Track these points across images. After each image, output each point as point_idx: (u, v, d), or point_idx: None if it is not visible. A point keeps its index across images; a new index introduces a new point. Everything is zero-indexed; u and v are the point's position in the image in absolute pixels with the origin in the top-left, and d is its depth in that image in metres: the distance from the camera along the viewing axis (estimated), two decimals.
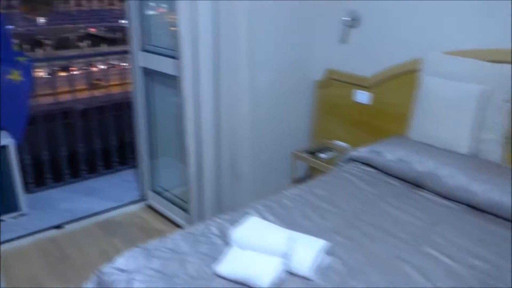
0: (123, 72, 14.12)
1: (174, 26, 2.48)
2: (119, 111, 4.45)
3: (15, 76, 3.38)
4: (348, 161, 2.44)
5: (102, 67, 22.83)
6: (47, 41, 40.68)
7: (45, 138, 3.76)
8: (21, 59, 3.41)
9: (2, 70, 3.34)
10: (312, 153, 3.05)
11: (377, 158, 2.25)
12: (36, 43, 41.39)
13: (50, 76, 16.54)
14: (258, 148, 2.95)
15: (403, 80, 2.64)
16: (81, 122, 3.99)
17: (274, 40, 2.86)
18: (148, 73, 3.05)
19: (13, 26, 44.04)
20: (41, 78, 19.37)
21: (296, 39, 3.00)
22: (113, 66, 26.79)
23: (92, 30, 52.74)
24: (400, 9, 2.61)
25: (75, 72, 23.35)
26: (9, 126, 3.29)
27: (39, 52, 39.39)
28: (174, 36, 2.49)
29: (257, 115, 2.86)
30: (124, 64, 18.09)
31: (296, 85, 3.14)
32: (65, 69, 23.64)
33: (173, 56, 2.60)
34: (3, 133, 3.17)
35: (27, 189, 3.51)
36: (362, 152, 2.36)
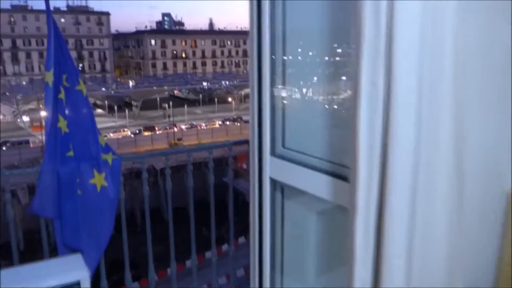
0: (204, 132, 46.52)
1: (337, 124, 1.82)
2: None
3: (99, 180, 2.73)
4: None
5: (183, 127, 51.56)
6: (134, 102, 64.18)
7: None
8: (107, 157, 2.79)
9: (83, 172, 2.71)
10: None
11: None
12: (126, 104, 64.20)
13: (134, 135, 46.72)
14: None
15: None
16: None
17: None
18: (277, 185, 2.08)
19: (105, 89, 70.33)
20: (127, 137, 49.92)
21: None
22: (195, 126, 52.91)
23: (176, 92, 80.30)
24: None
25: (158, 132, 54.27)
26: (86, 248, 2.60)
27: (129, 114, 60.92)
28: (337, 141, 1.81)
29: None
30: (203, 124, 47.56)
31: None
32: (150, 129, 56.72)
33: (333, 172, 1.71)
34: (77, 258, 2.19)
35: None
36: None
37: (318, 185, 1.75)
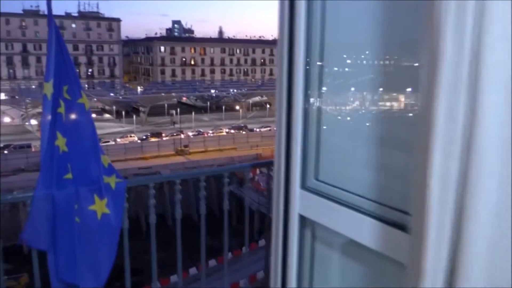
0: (210, 139, 47.53)
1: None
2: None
3: (100, 206, 2.43)
4: None
5: (190, 134, 52.31)
6: (142, 108, 64.49)
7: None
8: (110, 180, 2.51)
9: (82, 197, 2.43)
10: None
11: None
12: (134, 110, 64.57)
13: (141, 141, 47.36)
14: None
15: None
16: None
17: None
18: (307, 223, 1.74)
19: (113, 94, 70.61)
20: (133, 142, 50.21)
21: None
22: (202, 133, 53.86)
23: (184, 99, 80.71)
24: None
25: (165, 138, 54.68)
26: (83, 283, 2.46)
27: (137, 119, 60.84)
28: (390, 178, 1.45)
29: None
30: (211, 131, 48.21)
31: None
32: (157, 135, 57.67)
33: (383, 217, 1.38)
34: None
35: None
36: None
37: (362, 229, 1.45)
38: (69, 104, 2.46)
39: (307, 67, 1.66)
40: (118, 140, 51.34)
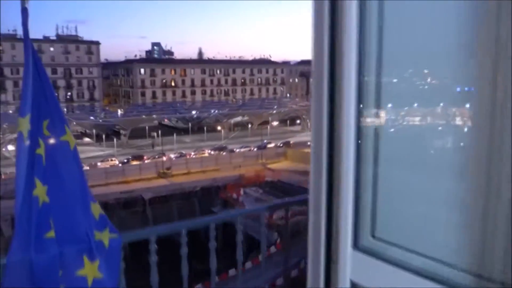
0: (193, 161, 47.57)
1: None
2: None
3: (90, 270, 1.96)
4: None
5: (172, 156, 52.09)
6: (122, 131, 63.40)
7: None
8: (103, 236, 2.04)
9: (68, 260, 1.95)
10: None
11: None
12: (114, 133, 63.47)
13: (123, 165, 46.73)
14: None
15: None
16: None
17: None
18: None
19: (93, 118, 69.86)
20: (114, 166, 49.62)
21: None
22: (184, 155, 53.73)
23: (165, 121, 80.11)
24: None
25: (147, 161, 54.08)
26: None
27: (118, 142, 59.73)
28: (488, 239, 1.05)
29: None
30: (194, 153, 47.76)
31: None
32: (138, 158, 57.34)
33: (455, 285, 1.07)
34: None
35: None
36: None
37: None
38: (51, 144, 2.04)
39: (360, 83, 1.30)
40: (99, 164, 50.14)
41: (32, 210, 1.90)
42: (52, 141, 2.04)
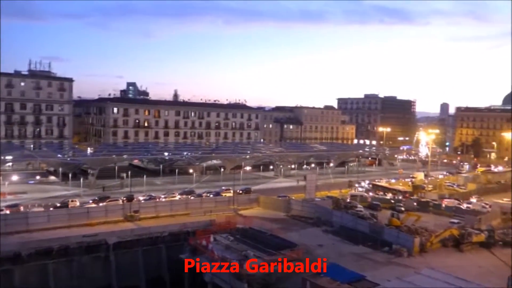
0: (162, 205, 44.48)
1: None
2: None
3: None
4: None
5: (140, 198, 49.44)
6: (90, 170, 59.64)
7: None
8: None
9: None
10: None
11: None
12: (82, 172, 59.30)
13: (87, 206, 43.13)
14: None
15: None
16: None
17: None
18: None
19: (60, 155, 65.53)
20: (79, 207, 46.27)
21: None
22: (154, 198, 50.53)
23: (136, 161, 76.65)
24: None
25: (113, 202, 50.87)
26: None
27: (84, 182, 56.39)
28: None
29: None
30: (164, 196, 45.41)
31: None
32: (105, 199, 53.83)
33: None
34: None
35: None
36: None
37: None
38: None
39: None
40: (57, 205, 47.36)
41: None
42: None
